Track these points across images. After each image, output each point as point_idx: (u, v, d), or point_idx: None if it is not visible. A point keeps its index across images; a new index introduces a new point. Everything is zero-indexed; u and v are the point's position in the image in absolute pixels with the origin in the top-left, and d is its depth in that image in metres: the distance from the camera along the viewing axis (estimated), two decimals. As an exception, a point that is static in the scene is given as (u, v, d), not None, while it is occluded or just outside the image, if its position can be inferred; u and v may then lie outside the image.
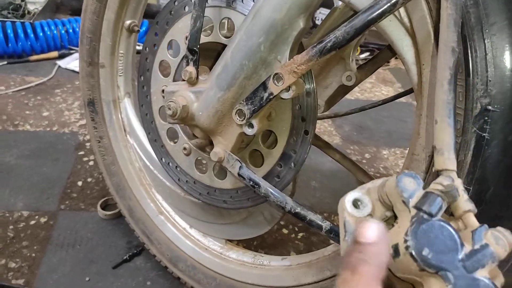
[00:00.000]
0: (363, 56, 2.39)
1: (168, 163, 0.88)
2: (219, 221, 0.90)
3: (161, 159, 0.89)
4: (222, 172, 0.79)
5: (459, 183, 0.35)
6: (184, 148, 0.83)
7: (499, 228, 0.32)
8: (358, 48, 2.28)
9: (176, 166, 0.87)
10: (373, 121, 1.81)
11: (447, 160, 0.38)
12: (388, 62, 2.24)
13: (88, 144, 1.43)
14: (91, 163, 1.34)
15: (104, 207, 1.16)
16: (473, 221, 0.34)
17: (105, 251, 1.05)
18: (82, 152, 1.39)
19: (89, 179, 1.27)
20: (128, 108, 1.04)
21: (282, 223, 1.24)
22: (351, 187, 0.40)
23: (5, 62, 1.93)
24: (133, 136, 1.03)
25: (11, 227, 1.08)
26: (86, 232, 1.10)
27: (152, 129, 0.88)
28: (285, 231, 1.22)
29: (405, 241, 0.32)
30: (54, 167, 1.30)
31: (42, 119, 1.54)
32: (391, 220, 0.37)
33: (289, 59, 0.57)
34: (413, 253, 0.31)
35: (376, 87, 2.21)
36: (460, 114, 0.50)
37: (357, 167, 0.99)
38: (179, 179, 0.86)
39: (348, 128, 1.75)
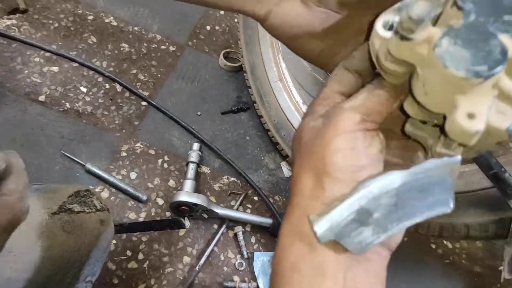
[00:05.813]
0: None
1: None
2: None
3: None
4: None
5: None
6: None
7: None
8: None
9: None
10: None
11: None
12: None
13: (222, -7, 1.42)
14: (222, 12, 1.35)
15: (225, 58, 1.19)
16: None
17: (217, 96, 1.12)
18: (215, 0, 1.39)
19: (217, 27, 1.30)
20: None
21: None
22: None
23: None
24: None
25: (144, 44, 1.16)
26: (205, 74, 1.16)
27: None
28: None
29: None
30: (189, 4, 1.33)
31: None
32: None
33: None
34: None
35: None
36: None
37: None
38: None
39: None
